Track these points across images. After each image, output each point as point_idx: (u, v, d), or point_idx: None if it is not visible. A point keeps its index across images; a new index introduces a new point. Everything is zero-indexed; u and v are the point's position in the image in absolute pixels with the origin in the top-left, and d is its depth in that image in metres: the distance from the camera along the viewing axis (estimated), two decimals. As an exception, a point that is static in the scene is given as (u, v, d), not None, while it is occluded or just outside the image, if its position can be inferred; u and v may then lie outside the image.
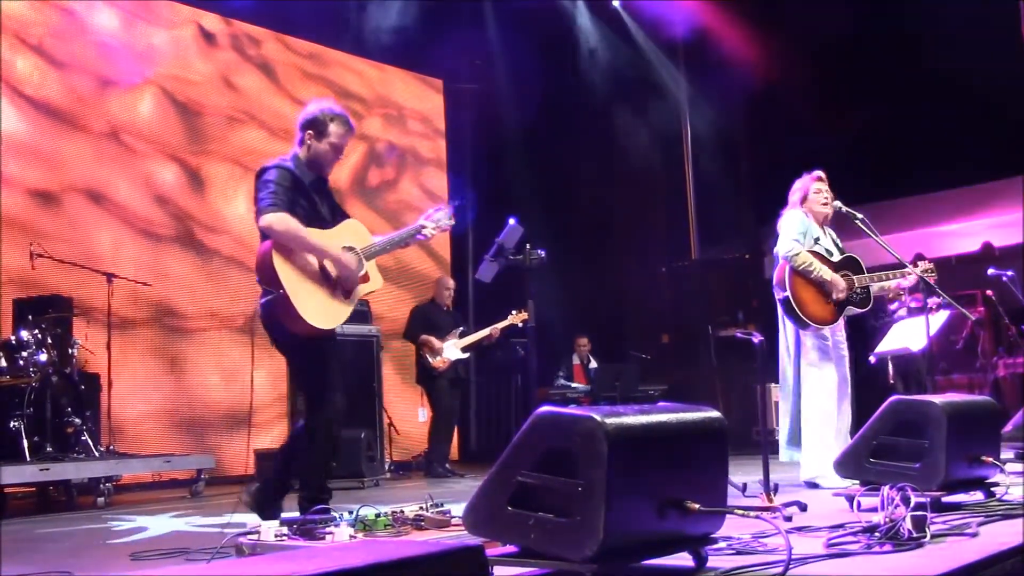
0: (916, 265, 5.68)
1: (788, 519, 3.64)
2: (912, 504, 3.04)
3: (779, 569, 2.56)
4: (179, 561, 3.60)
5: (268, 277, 3.87)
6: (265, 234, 3.91)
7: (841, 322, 5.51)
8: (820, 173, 5.68)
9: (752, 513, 2.80)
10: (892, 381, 8.05)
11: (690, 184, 11.90)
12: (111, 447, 6.98)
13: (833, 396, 5.39)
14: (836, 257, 5.56)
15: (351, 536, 3.23)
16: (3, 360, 6.26)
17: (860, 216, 5.40)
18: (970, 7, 8.61)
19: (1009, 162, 10.09)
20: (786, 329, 5.56)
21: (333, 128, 4.12)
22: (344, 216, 4.24)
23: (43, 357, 6.36)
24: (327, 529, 3.27)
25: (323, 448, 4.05)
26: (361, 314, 7.78)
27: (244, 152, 9.22)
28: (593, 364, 10.01)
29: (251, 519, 4.06)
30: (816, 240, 5.53)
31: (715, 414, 2.81)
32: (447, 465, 8.13)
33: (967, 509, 3.79)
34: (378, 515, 3.48)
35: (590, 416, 2.47)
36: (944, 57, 9.18)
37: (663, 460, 2.61)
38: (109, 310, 7.17)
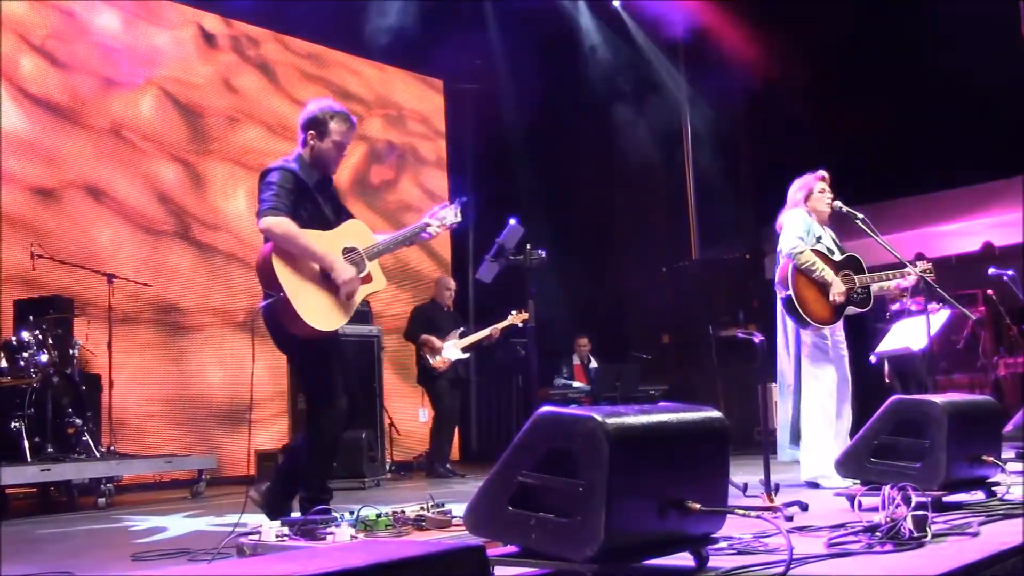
0: (915, 265, 5.68)
1: (789, 519, 3.64)
2: (913, 504, 3.04)
3: (780, 569, 2.56)
4: (180, 561, 3.60)
5: (268, 280, 3.87)
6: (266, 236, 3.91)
7: (840, 322, 5.51)
8: (823, 173, 5.69)
9: (753, 513, 2.80)
10: (888, 380, 8.05)
11: (690, 184, 11.90)
12: (112, 448, 6.99)
13: (833, 396, 5.38)
14: (837, 256, 5.56)
15: (352, 536, 3.23)
16: (4, 361, 6.27)
17: (861, 216, 5.40)
18: (970, 7, 8.60)
19: (1009, 162, 10.08)
20: (786, 328, 5.56)
21: (334, 126, 4.11)
22: (348, 216, 4.23)
23: (44, 358, 6.36)
24: (328, 529, 3.27)
25: (325, 449, 4.05)
26: (362, 314, 7.78)
27: (244, 151, 9.23)
28: (594, 364, 10.01)
29: (262, 519, 4.05)
30: (818, 239, 5.53)
31: (716, 414, 2.81)
32: (448, 465, 8.13)
33: (968, 509, 3.78)
34: (379, 515, 3.48)
35: (591, 416, 2.47)
36: (944, 57, 9.18)
37: (664, 460, 2.61)
38: (110, 311, 7.17)
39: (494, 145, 11.28)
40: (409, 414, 9.30)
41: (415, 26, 9.87)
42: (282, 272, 3.84)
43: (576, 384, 9.76)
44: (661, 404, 2.81)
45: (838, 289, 5.37)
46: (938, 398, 3.99)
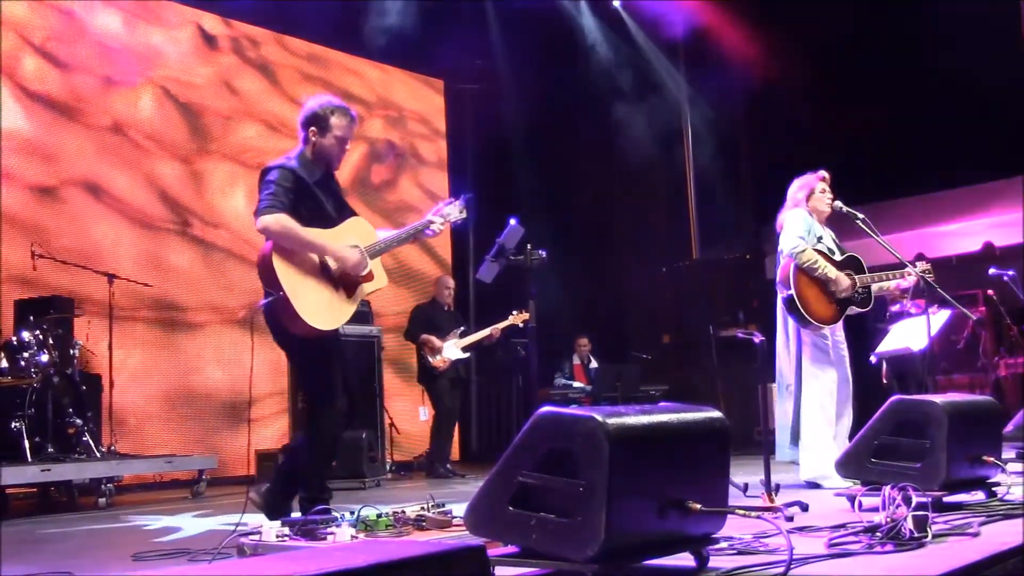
0: (915, 265, 5.68)
1: (789, 519, 3.64)
2: (913, 504, 3.04)
3: (781, 569, 2.56)
4: (181, 561, 3.60)
5: (269, 278, 3.86)
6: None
7: (840, 322, 5.51)
8: (824, 173, 5.69)
9: (753, 513, 2.80)
10: (886, 381, 8.04)
11: (690, 184, 11.90)
12: (112, 448, 6.99)
13: (833, 396, 5.38)
14: (838, 256, 5.56)
15: (352, 536, 3.23)
16: (4, 361, 6.27)
17: (861, 216, 5.40)
18: (970, 7, 8.60)
19: (1009, 162, 10.08)
20: (787, 328, 5.56)
21: (335, 121, 4.11)
22: (351, 212, 4.23)
23: (44, 358, 6.36)
24: (328, 529, 3.27)
25: (325, 449, 4.05)
26: (362, 314, 7.78)
27: (243, 149, 9.24)
28: (594, 364, 10.01)
29: (262, 519, 4.04)
30: (819, 239, 5.53)
31: (716, 414, 2.81)
32: (448, 465, 8.13)
33: (968, 509, 3.79)
34: (379, 515, 3.48)
35: (591, 416, 2.47)
36: (944, 57, 9.17)
37: (664, 460, 2.61)
38: (111, 311, 7.17)
39: (494, 145, 11.28)
40: (409, 414, 9.30)
41: (415, 26, 9.87)
42: (282, 270, 3.84)
43: (576, 384, 9.77)
44: (661, 404, 2.81)
45: (843, 285, 5.37)
46: (938, 398, 4.00)
